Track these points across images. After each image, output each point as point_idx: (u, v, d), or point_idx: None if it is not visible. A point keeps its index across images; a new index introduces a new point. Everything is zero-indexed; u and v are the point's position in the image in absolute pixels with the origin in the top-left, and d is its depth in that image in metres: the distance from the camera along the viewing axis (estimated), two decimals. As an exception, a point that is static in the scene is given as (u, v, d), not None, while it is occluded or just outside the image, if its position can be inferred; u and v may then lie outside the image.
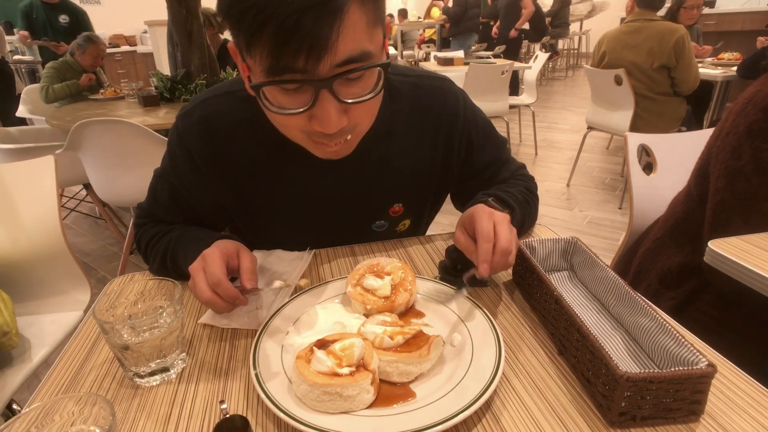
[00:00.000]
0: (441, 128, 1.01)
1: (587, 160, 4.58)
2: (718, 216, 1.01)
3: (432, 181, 1.06)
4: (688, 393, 0.57)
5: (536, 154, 4.93)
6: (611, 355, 0.57)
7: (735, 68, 3.61)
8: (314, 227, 1.05)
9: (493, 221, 0.78)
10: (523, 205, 1.00)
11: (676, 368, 0.57)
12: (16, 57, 7.14)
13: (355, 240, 1.08)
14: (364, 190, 1.01)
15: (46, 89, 3.73)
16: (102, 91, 3.79)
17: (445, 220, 3.24)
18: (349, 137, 0.79)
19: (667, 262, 1.17)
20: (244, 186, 0.98)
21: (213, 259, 0.76)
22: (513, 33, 7.37)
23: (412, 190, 1.05)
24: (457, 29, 7.48)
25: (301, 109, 0.70)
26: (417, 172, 1.03)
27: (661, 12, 3.48)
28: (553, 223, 3.40)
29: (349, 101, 0.71)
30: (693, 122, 3.61)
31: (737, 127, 0.99)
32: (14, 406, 1.24)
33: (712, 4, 6.89)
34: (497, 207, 0.90)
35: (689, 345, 0.59)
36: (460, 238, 0.82)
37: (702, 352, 0.58)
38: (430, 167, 1.04)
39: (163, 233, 0.99)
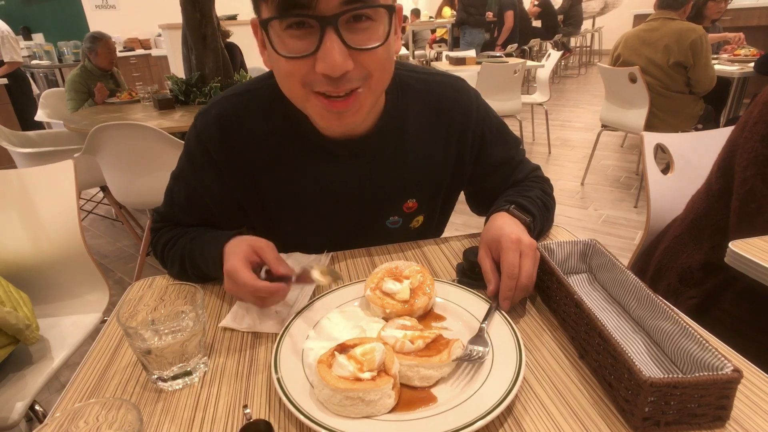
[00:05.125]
0: (454, 125, 1.02)
1: (601, 159, 4.54)
2: (747, 206, 1.00)
3: (445, 177, 1.07)
4: (714, 399, 0.56)
5: (550, 152, 4.89)
6: (634, 360, 0.57)
7: (752, 64, 3.56)
8: (329, 223, 1.06)
9: (519, 252, 0.80)
10: (542, 210, 1.00)
11: (701, 373, 0.57)
12: (35, 62, 7.26)
13: (369, 237, 1.08)
14: (378, 184, 1.02)
15: (73, 111, 3.71)
16: (118, 94, 3.83)
17: (459, 219, 3.24)
18: (360, 90, 0.78)
19: (687, 260, 1.15)
20: (261, 181, 0.99)
21: (236, 270, 0.78)
22: (497, 49, 7.58)
23: (425, 186, 1.06)
24: (465, 28, 7.50)
25: (308, 53, 0.71)
26: (430, 167, 1.04)
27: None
28: (568, 222, 3.37)
29: (355, 46, 0.72)
30: (713, 121, 3.56)
31: (766, 117, 0.98)
32: (36, 407, 1.26)
33: (730, -1, 6.79)
34: (519, 215, 0.91)
35: (713, 350, 0.59)
36: (484, 261, 0.85)
37: (727, 357, 0.57)
38: (443, 163, 1.05)
39: (177, 237, 1.00)
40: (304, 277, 0.81)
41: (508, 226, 0.86)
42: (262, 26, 0.73)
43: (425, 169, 1.03)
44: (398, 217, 1.07)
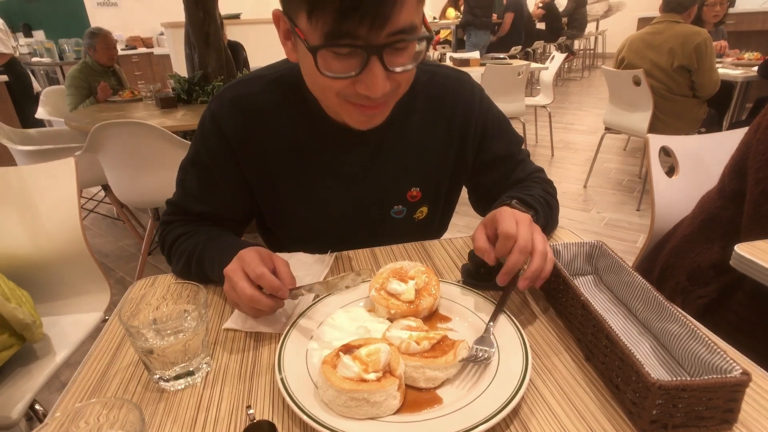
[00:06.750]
0: (456, 116, 1.05)
1: (604, 162, 4.54)
2: (761, 207, 1.00)
3: (447, 168, 1.09)
4: (722, 401, 0.56)
5: (552, 155, 4.89)
6: (642, 362, 0.56)
7: (756, 68, 3.55)
8: (336, 209, 1.06)
9: (515, 220, 0.79)
10: (545, 208, 1.00)
11: (709, 376, 0.56)
12: (35, 59, 7.26)
13: (375, 227, 1.09)
14: (383, 170, 1.03)
15: (73, 109, 3.69)
16: (120, 92, 3.82)
17: (462, 221, 3.23)
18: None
19: (697, 259, 1.15)
20: (272, 164, 1.00)
21: (251, 257, 0.78)
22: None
23: (428, 175, 1.08)
24: (470, 30, 7.50)
25: (352, 74, 0.75)
26: (433, 157, 1.06)
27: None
28: (571, 224, 3.37)
29: (395, 69, 0.76)
30: (716, 125, 3.55)
31: None
32: (36, 406, 1.25)
33: (732, 4, 6.78)
34: (520, 209, 0.90)
35: (722, 352, 0.58)
36: (478, 237, 0.83)
37: (735, 360, 0.57)
38: (445, 154, 1.07)
39: (190, 234, 0.99)
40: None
41: (506, 211, 0.85)
42: (310, 51, 0.73)
43: (428, 158, 1.06)
44: (402, 206, 1.08)
